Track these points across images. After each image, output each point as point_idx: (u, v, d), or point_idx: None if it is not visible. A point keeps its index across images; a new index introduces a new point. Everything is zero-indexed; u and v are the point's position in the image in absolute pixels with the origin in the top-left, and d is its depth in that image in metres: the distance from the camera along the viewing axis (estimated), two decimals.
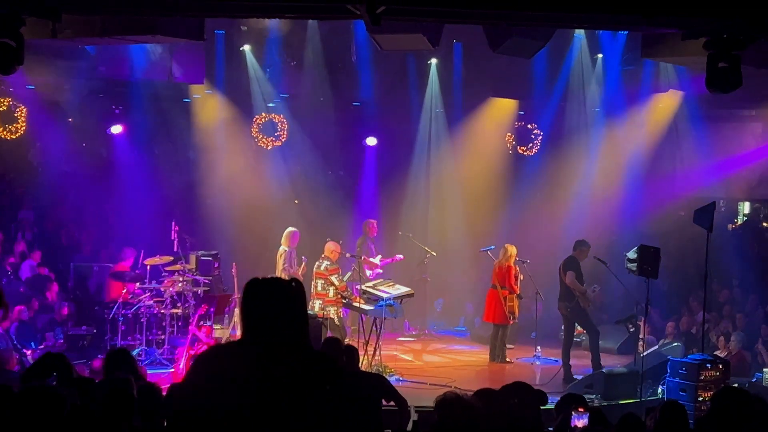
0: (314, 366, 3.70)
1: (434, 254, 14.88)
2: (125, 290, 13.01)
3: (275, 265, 13.63)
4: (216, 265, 14.22)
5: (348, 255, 13.67)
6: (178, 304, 13.08)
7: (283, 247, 13.64)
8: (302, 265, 13.42)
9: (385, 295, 12.43)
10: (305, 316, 3.85)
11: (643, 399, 10.48)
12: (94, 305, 13.67)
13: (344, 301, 12.80)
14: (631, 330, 14.62)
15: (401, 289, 12.76)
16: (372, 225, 14.91)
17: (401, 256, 14.97)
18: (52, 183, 15.27)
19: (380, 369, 11.81)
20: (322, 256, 13.06)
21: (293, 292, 3.77)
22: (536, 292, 14.28)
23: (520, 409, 5.05)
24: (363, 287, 12.74)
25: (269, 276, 3.83)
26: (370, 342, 12.17)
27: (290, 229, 13.75)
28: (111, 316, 12.57)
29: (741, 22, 8.29)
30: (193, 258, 13.72)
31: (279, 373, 3.55)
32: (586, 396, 10.87)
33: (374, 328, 12.36)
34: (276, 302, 3.70)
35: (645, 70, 14.44)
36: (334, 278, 12.69)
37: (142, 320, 12.75)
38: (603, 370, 11.81)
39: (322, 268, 12.81)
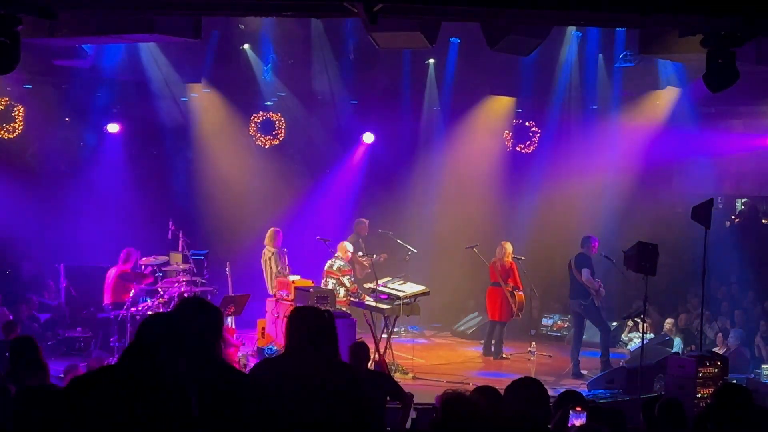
0: (338, 375, 4.74)
1: (415, 251, 14.80)
2: (133, 291, 12.90)
3: (264, 265, 13.61)
4: (205, 265, 14.11)
5: (360, 254, 13.62)
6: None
7: (269, 248, 13.60)
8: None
9: (401, 294, 12.44)
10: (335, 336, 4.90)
11: (642, 396, 10.50)
12: (88, 306, 13.55)
13: (353, 300, 12.77)
14: (630, 325, 14.70)
15: (416, 287, 12.77)
16: (364, 224, 14.87)
17: (385, 255, 14.91)
18: (50, 183, 15.25)
19: (394, 367, 11.80)
20: (336, 255, 13.03)
21: (328, 320, 4.87)
22: (531, 289, 14.36)
23: (530, 407, 5.03)
24: (376, 286, 12.72)
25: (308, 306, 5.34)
26: (380, 340, 12.17)
27: (273, 228, 13.73)
28: (120, 318, 12.42)
29: (738, 20, 8.29)
30: (178, 257, 13.60)
31: (311, 380, 4.53)
32: (608, 391, 11.08)
33: (385, 327, 12.35)
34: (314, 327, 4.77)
35: (643, 66, 14.44)
36: (346, 279, 12.68)
37: None
38: (624, 365, 11.89)
39: (335, 268, 12.78)
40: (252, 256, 14.26)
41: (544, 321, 16.21)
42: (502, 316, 13.88)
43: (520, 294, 13.86)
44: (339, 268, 12.80)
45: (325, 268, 13.02)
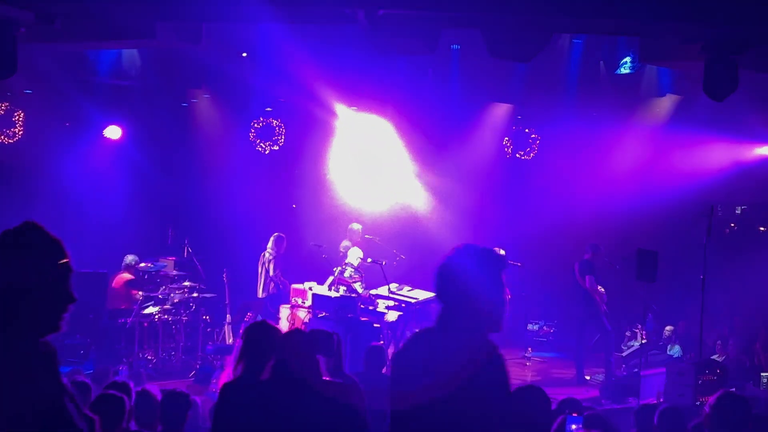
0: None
1: (403, 257, 14.72)
2: (141, 297, 12.86)
3: (260, 268, 13.58)
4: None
5: (369, 260, 13.59)
6: (181, 310, 13.00)
7: (270, 252, 13.56)
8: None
9: (413, 300, 12.44)
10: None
11: (640, 403, 10.49)
12: (87, 313, 13.48)
13: (363, 307, 12.74)
14: (627, 335, 14.73)
15: (427, 294, 12.78)
16: (356, 229, 14.80)
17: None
18: (50, 188, 15.24)
19: None
20: (346, 262, 12.99)
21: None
22: (526, 295, 14.49)
23: (533, 415, 5.05)
24: (388, 293, 12.68)
25: None
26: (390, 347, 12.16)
27: (277, 233, 13.73)
28: (129, 324, 12.38)
29: (739, 28, 8.30)
30: (170, 263, 13.57)
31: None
32: (622, 397, 11.11)
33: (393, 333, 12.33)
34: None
35: (643, 74, 14.44)
36: (357, 285, 12.63)
37: (158, 329, 12.56)
38: (639, 371, 11.91)
39: (346, 274, 12.73)
40: (250, 262, 14.25)
41: (530, 326, 16.28)
42: None
43: None
44: (350, 275, 12.76)
45: (335, 275, 12.99)
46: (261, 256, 13.72)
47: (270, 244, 13.69)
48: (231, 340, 13.44)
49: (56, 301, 2.96)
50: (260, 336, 4.84)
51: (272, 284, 13.56)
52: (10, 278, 2.87)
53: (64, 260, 2.95)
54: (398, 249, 14.34)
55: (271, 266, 13.52)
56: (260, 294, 13.56)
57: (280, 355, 4.37)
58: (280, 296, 13.47)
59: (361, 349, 11.20)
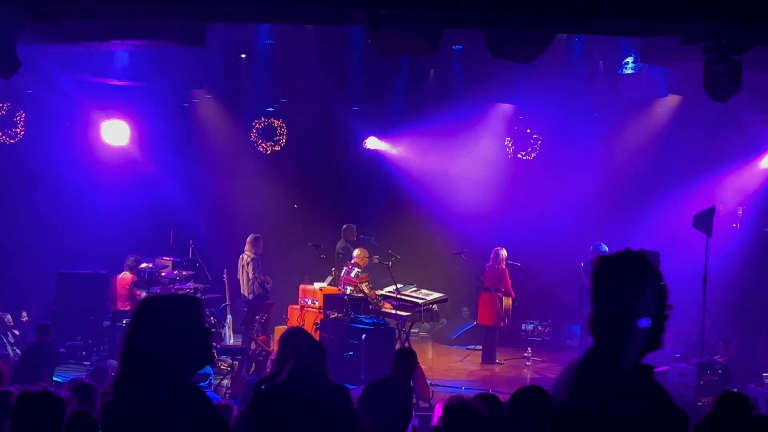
0: None
1: (399, 257, 14.66)
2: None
3: (240, 270, 13.57)
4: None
5: (376, 260, 13.56)
6: None
7: (248, 254, 13.53)
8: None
9: (420, 301, 12.43)
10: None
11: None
12: (88, 315, 13.43)
13: (369, 308, 12.71)
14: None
15: (434, 294, 12.76)
16: (352, 229, 14.75)
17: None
18: (52, 189, 15.23)
19: None
20: (352, 262, 12.95)
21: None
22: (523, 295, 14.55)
23: (535, 415, 5.04)
24: (396, 293, 12.64)
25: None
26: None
27: (254, 234, 13.72)
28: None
29: (740, 27, 8.29)
30: (170, 264, 13.58)
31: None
32: None
33: (399, 335, 12.29)
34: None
35: (644, 74, 14.42)
36: (364, 286, 12.60)
37: None
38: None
39: (353, 275, 12.68)
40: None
41: (524, 326, 16.31)
42: (490, 321, 14.05)
43: (507, 299, 14.00)
44: (357, 275, 12.74)
45: (342, 275, 12.95)
46: (239, 259, 13.65)
47: (247, 246, 13.62)
48: (232, 341, 13.43)
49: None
50: (290, 341, 5.39)
51: (256, 285, 13.50)
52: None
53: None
54: (397, 250, 14.31)
55: (251, 268, 13.43)
56: (248, 297, 13.52)
57: (297, 359, 4.90)
58: (267, 296, 13.44)
59: (374, 350, 11.20)
